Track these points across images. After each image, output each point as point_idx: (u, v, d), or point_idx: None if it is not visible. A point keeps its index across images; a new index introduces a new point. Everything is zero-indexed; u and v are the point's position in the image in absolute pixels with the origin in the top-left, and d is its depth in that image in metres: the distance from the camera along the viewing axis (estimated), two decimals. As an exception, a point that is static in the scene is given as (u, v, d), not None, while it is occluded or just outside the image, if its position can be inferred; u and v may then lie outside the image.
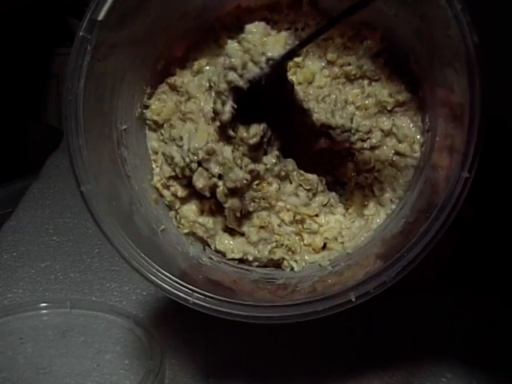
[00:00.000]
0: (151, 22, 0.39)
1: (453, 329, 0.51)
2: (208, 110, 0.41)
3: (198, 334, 0.50)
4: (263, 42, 0.36)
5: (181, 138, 0.42)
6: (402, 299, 0.53)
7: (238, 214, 0.41)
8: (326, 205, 0.43)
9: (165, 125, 0.44)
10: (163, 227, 0.42)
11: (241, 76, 0.37)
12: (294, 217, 0.43)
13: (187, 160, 0.41)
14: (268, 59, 0.36)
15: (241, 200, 0.41)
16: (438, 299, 0.54)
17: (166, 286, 0.36)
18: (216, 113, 0.39)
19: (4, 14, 0.99)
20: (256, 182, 0.41)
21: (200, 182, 0.41)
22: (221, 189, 0.40)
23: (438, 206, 0.33)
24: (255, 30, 0.36)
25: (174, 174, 0.43)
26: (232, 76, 0.37)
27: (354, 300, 0.34)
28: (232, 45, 0.37)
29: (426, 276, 0.48)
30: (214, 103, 0.39)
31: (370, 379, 0.46)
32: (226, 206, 0.41)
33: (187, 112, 0.42)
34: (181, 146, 0.42)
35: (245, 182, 0.40)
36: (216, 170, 0.40)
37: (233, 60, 0.37)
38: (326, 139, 0.41)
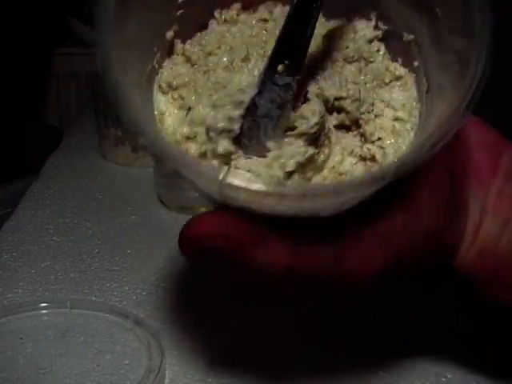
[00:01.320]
0: None
1: (452, 328, 0.51)
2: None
3: (198, 334, 0.50)
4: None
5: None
6: (402, 299, 0.53)
7: None
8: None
9: (191, 98, 0.41)
10: None
11: None
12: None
13: None
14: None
15: None
16: (437, 299, 0.54)
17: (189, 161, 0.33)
18: None
19: (4, 13, 0.99)
20: None
21: None
22: None
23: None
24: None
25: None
26: None
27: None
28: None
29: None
30: None
31: (369, 379, 0.46)
32: None
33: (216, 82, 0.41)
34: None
35: None
36: None
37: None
38: (339, 114, 0.42)
